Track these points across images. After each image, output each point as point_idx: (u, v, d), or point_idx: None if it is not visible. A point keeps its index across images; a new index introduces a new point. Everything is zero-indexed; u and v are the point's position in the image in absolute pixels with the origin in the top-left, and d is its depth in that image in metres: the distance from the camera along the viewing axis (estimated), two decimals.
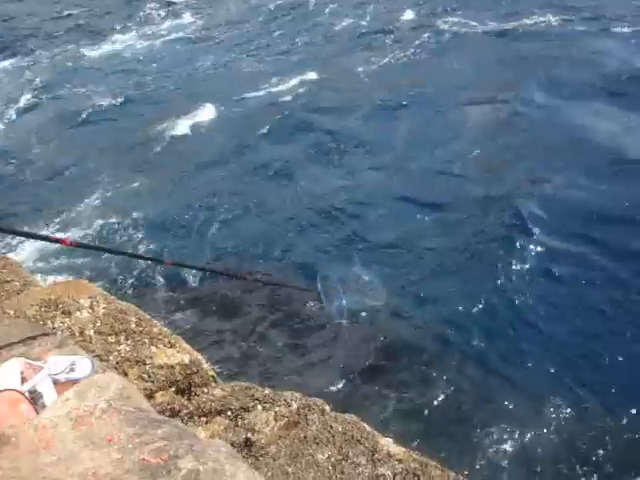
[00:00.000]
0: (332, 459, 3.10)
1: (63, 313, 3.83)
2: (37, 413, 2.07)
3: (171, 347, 3.69)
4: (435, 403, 7.35)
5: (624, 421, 6.97)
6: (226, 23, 24.75)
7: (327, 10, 24.11)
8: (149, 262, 10.03)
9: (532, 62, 17.25)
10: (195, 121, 16.67)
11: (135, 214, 12.37)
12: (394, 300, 8.99)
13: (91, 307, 3.88)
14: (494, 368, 7.86)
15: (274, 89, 18.32)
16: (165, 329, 3.87)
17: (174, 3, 27.40)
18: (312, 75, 18.82)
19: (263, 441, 3.21)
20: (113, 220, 12.31)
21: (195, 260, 10.29)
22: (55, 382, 2.38)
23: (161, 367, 3.56)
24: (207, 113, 17.17)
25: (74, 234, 11.83)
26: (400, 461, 3.13)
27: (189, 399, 3.57)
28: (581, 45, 17.97)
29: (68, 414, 1.97)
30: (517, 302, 8.88)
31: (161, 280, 10.05)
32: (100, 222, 12.29)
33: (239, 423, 3.35)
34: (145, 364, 3.56)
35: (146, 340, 3.68)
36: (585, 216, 10.57)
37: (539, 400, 7.34)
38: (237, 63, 21.15)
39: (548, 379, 7.61)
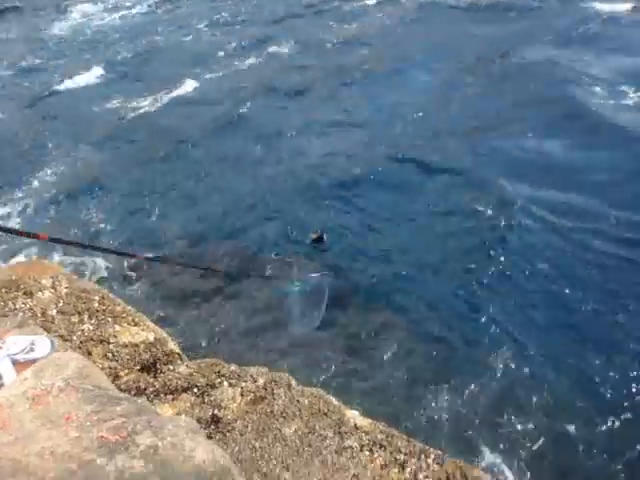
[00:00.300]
0: (299, 432, 3.12)
1: (25, 294, 3.76)
2: None
3: (135, 325, 3.66)
4: (399, 374, 7.42)
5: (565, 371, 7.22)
6: None
7: None
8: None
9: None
10: (161, 95, 16.46)
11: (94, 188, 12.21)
12: (354, 274, 9.11)
13: (53, 287, 3.82)
14: (455, 333, 7.97)
15: (239, 62, 18.19)
16: (129, 307, 3.82)
17: None
18: (279, 47, 18.73)
19: (230, 417, 3.21)
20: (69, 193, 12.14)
21: (146, 241, 10.21)
22: (14, 362, 2.33)
23: (125, 345, 3.53)
24: (173, 86, 17.00)
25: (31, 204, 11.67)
26: (367, 433, 3.17)
27: (155, 377, 3.54)
28: None
29: (25, 393, 1.94)
30: (471, 262, 9.03)
31: (126, 272, 9.82)
32: (56, 194, 12.09)
33: (206, 400, 3.34)
34: (109, 343, 3.52)
35: (109, 319, 3.64)
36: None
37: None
38: (202, 34, 20.90)
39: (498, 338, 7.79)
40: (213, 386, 3.41)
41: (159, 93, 16.56)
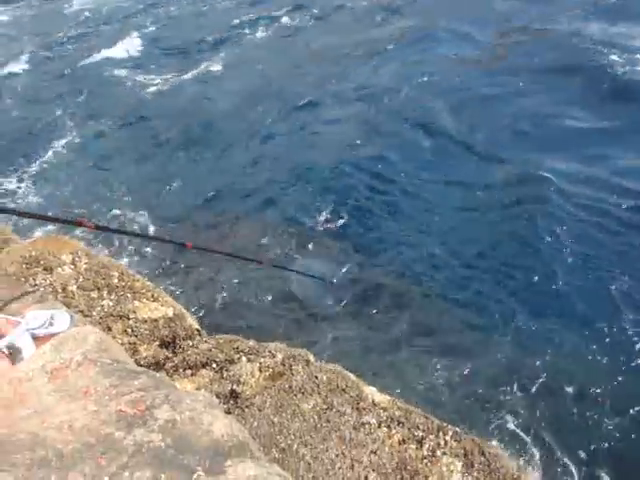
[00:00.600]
0: (317, 408, 3.13)
1: (45, 270, 3.78)
2: None
3: (154, 301, 3.67)
4: (417, 351, 7.39)
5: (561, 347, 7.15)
6: None
7: None
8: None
9: None
10: (185, 69, 16.52)
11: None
12: (369, 251, 9.05)
13: (73, 263, 3.84)
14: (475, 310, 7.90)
15: (263, 34, 18.19)
16: (148, 283, 3.83)
17: None
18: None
19: (248, 392, 3.22)
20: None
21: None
22: (34, 337, 2.35)
23: (145, 321, 3.55)
24: (195, 60, 17.05)
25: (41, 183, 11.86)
26: (385, 409, 3.16)
27: (174, 352, 3.56)
28: None
29: (43, 367, 1.95)
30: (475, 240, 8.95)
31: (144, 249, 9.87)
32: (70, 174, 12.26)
33: (224, 375, 3.35)
34: (129, 318, 3.54)
35: (129, 294, 3.66)
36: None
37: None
38: (229, 8, 20.90)
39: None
40: (232, 361, 3.42)
41: (183, 67, 16.59)
